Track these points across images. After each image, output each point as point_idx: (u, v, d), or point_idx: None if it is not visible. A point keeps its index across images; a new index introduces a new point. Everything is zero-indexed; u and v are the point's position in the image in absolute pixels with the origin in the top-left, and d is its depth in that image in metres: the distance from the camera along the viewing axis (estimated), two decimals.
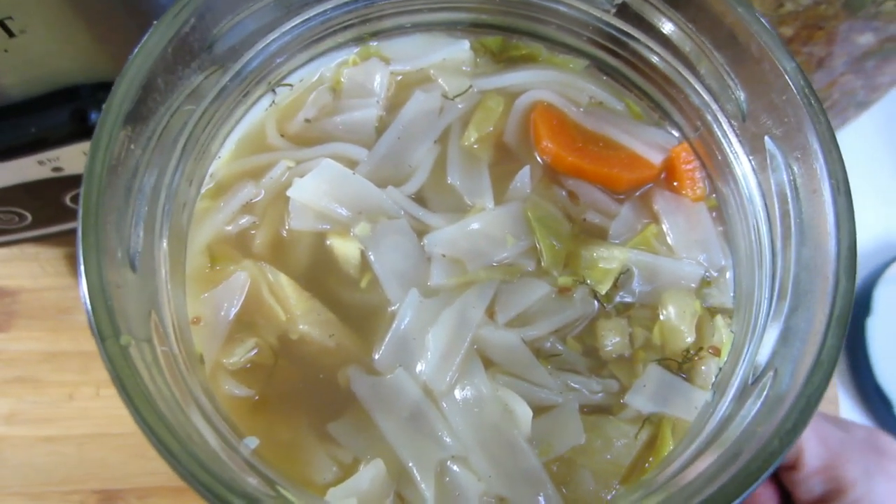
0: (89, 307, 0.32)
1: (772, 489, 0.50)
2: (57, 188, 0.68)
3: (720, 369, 0.43)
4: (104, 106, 0.36)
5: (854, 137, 0.77)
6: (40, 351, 0.81)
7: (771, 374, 0.35)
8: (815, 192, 0.37)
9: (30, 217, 0.73)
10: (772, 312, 0.39)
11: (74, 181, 0.68)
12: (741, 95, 0.42)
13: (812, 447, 0.47)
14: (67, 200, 0.71)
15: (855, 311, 0.71)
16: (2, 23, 0.52)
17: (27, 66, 0.57)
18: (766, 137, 0.41)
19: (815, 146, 0.37)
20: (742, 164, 0.44)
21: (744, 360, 0.40)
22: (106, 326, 0.32)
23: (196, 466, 0.31)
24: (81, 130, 0.61)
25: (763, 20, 0.40)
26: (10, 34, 0.53)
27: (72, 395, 0.79)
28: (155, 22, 0.38)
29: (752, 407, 0.35)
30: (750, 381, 0.37)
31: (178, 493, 0.75)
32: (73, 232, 0.77)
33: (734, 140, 0.44)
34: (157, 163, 0.40)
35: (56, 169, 0.66)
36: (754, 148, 0.43)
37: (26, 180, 0.66)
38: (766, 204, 0.42)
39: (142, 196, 0.38)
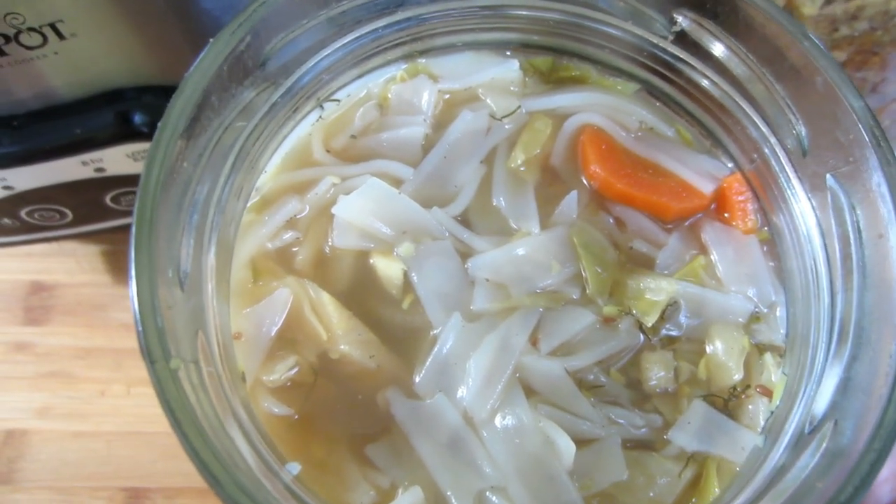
0: (140, 328, 0.32)
1: None
2: (98, 188, 0.69)
3: (772, 413, 0.42)
4: (160, 123, 0.36)
5: None
6: (75, 346, 0.82)
7: (830, 425, 0.34)
8: (882, 236, 0.36)
9: (70, 215, 0.74)
10: (830, 358, 0.37)
11: (116, 182, 0.68)
12: (802, 130, 0.41)
13: None
14: (108, 200, 0.72)
15: None
16: (53, 25, 0.52)
17: (75, 69, 0.57)
18: (829, 176, 0.39)
19: (884, 189, 0.36)
20: (800, 201, 0.43)
21: (799, 406, 0.39)
22: (156, 349, 0.32)
23: (240, 493, 0.31)
24: (125, 132, 0.62)
25: (829, 54, 0.39)
26: (61, 37, 0.53)
27: (103, 392, 0.80)
28: (211, 39, 0.38)
29: (810, 459, 0.34)
30: (807, 431, 0.36)
31: (206, 494, 0.75)
32: (112, 230, 0.78)
33: (792, 175, 0.43)
34: (207, 178, 0.40)
35: (98, 170, 0.66)
36: (814, 185, 0.41)
37: (69, 180, 0.67)
38: (825, 244, 0.40)
39: (193, 211, 0.38)
